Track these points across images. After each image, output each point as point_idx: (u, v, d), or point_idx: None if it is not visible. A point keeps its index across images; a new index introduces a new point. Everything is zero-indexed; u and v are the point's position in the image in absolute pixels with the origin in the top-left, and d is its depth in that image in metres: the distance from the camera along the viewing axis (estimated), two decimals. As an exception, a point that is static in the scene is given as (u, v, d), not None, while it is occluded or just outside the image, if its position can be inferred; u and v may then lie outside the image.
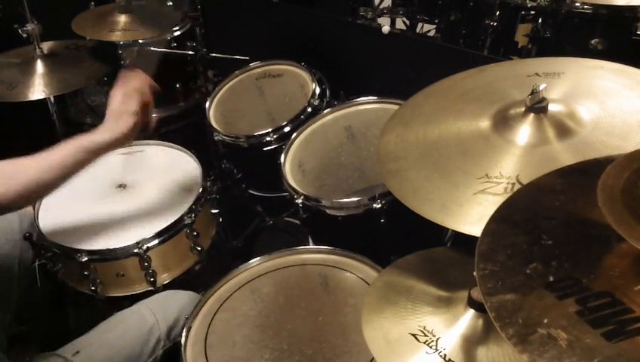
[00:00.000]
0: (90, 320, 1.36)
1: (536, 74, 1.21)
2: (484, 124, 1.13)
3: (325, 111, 1.78)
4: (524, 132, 1.07)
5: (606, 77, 1.16)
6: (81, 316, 1.29)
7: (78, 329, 1.34)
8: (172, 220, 1.49)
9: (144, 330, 1.28)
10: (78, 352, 1.22)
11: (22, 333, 1.53)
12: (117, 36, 2.06)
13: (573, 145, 1.02)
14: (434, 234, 1.39)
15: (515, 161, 1.03)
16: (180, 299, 1.40)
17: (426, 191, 1.04)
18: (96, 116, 2.31)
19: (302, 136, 1.74)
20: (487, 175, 1.01)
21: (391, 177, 1.12)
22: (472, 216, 0.95)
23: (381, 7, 2.37)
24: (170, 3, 2.33)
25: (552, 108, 1.08)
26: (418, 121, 1.23)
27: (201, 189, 1.58)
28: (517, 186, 0.96)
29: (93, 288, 1.47)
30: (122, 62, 2.15)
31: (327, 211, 1.50)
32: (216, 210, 1.70)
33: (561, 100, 1.11)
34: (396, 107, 1.64)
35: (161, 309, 1.34)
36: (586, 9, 1.62)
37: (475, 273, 0.72)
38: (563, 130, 1.05)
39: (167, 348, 1.29)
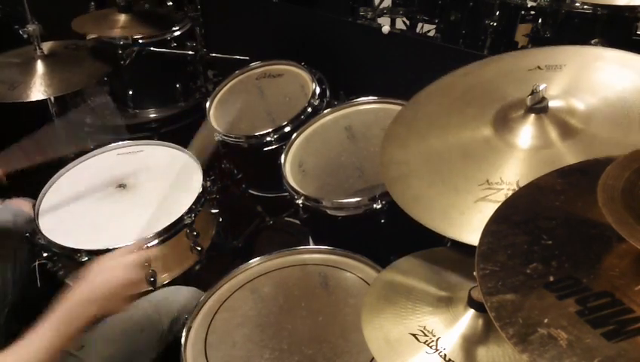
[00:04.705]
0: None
1: (538, 67, 1.20)
2: (486, 127, 1.12)
3: (325, 112, 1.78)
4: (525, 134, 1.06)
5: (607, 69, 1.15)
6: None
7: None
8: (172, 220, 1.48)
9: (147, 325, 1.30)
10: (82, 347, 1.22)
11: (21, 333, 1.53)
12: (117, 32, 2.06)
13: (575, 145, 1.02)
14: (434, 234, 1.39)
15: (516, 165, 1.02)
16: (182, 295, 1.41)
17: (428, 198, 1.04)
18: (96, 116, 2.31)
19: (302, 136, 1.73)
20: (487, 181, 1.01)
21: (393, 184, 1.12)
22: (473, 225, 0.95)
23: (381, 7, 2.38)
24: (170, 3, 2.34)
25: (553, 104, 1.08)
26: (419, 125, 1.22)
27: (201, 189, 1.58)
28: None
29: (93, 288, 1.48)
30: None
31: (328, 211, 1.50)
32: (216, 210, 1.70)
33: (562, 95, 1.10)
34: (396, 107, 1.65)
35: (163, 304, 1.35)
36: (586, 9, 1.62)
37: (475, 273, 0.72)
38: (565, 128, 1.05)
39: (168, 342, 1.31)
